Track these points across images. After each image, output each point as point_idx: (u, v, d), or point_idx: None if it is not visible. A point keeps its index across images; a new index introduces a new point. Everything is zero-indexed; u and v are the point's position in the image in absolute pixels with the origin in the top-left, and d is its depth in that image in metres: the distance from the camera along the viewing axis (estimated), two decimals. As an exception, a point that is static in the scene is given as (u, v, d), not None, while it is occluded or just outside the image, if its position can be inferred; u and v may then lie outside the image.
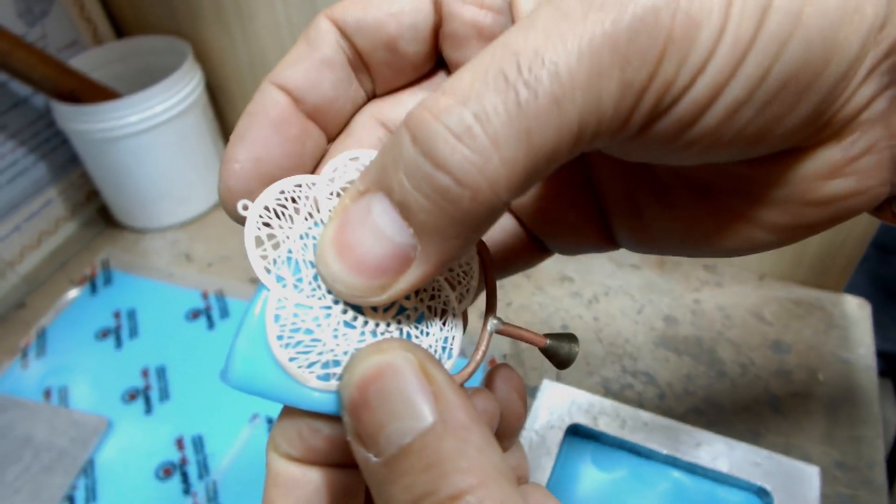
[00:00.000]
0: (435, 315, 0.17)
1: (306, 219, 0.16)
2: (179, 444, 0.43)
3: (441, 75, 0.20)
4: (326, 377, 0.15)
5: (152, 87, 0.52)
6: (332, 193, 0.16)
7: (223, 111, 0.64)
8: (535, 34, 0.13)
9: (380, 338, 0.16)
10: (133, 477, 0.42)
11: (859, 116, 0.14)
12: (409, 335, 0.17)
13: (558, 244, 0.22)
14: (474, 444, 0.13)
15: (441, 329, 0.17)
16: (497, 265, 0.21)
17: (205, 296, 0.53)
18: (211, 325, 0.50)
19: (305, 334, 0.15)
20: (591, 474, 0.39)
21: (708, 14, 0.13)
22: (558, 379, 0.46)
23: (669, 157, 0.15)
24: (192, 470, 0.42)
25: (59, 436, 0.44)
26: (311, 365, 0.15)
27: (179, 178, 0.58)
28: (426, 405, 0.13)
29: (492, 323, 0.18)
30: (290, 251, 0.15)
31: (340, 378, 0.15)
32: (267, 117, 0.17)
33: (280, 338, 0.15)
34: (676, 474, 0.39)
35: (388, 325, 0.16)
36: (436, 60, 0.19)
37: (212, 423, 0.44)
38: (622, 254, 0.55)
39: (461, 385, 0.17)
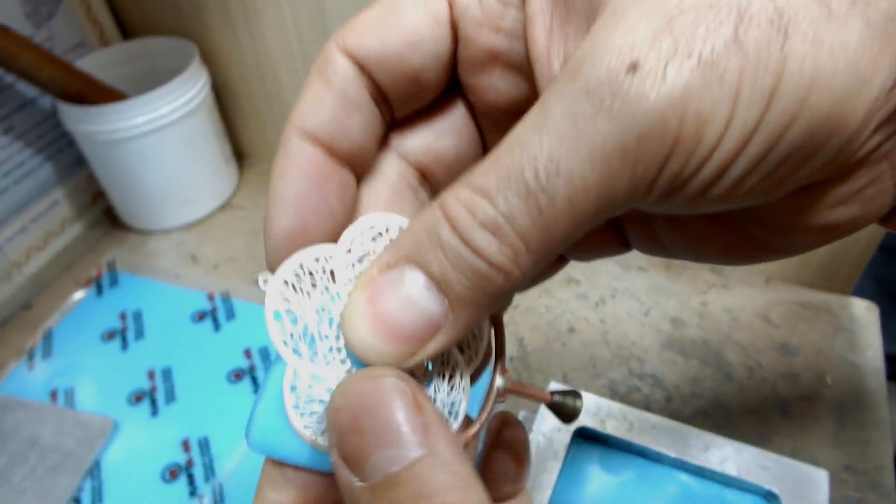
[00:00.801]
0: (443, 379, 0.18)
1: (322, 293, 0.17)
2: (185, 445, 0.43)
3: (458, 105, 0.20)
4: None
5: (159, 89, 0.52)
6: (348, 265, 0.17)
7: (229, 112, 0.64)
8: (549, 139, 0.14)
9: None
10: (139, 478, 0.42)
11: (866, 158, 0.15)
12: None
13: (574, 253, 0.22)
14: (462, 479, 0.14)
15: (448, 393, 0.18)
16: None
17: (211, 297, 0.53)
18: (217, 326, 0.50)
19: (319, 405, 0.16)
20: (599, 477, 0.39)
21: (716, 110, 0.13)
22: (565, 381, 0.45)
23: (689, 212, 0.16)
24: (199, 472, 0.42)
25: (65, 437, 0.44)
26: (324, 432, 0.16)
27: (185, 180, 0.58)
28: (417, 435, 0.14)
29: (499, 382, 0.19)
30: (306, 325, 0.16)
31: (331, 399, 0.15)
32: (305, 176, 0.17)
33: (296, 407, 0.16)
34: (684, 477, 0.39)
35: None
36: (448, 79, 0.19)
37: (218, 425, 0.44)
38: (629, 256, 0.55)
39: (476, 435, 0.18)
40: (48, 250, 0.58)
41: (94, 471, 0.43)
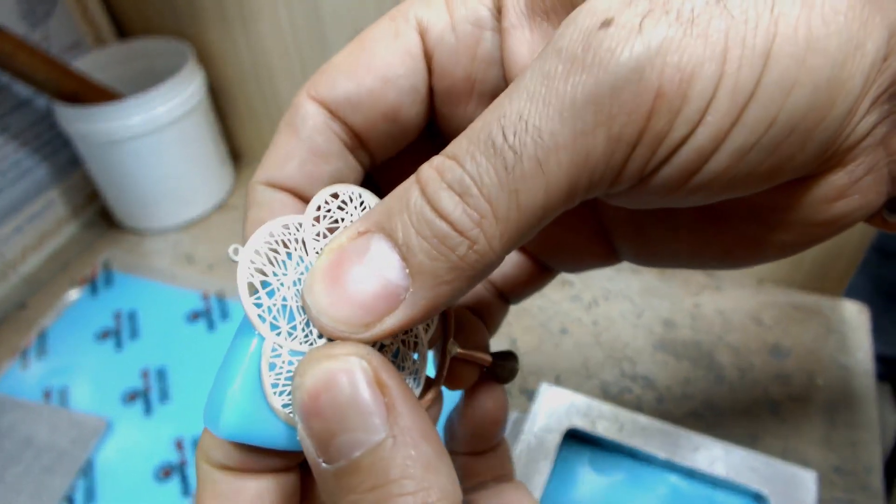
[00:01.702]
0: (409, 349, 0.18)
1: (297, 265, 0.16)
2: (179, 445, 0.43)
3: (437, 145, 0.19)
4: None
5: (154, 89, 0.52)
6: (318, 234, 0.16)
7: (225, 113, 0.64)
8: (518, 97, 0.13)
9: None
10: (132, 478, 0.42)
11: (862, 142, 0.15)
12: None
13: (563, 265, 0.22)
14: (423, 463, 0.13)
15: (414, 362, 0.18)
16: (507, 295, 0.22)
17: (205, 297, 0.53)
18: (211, 326, 0.51)
19: None
20: (589, 478, 0.39)
21: (700, 66, 0.13)
22: (557, 382, 0.46)
23: (679, 202, 0.15)
24: (192, 472, 0.42)
25: (59, 436, 0.44)
26: None
27: (181, 180, 0.58)
28: (378, 418, 0.13)
29: (454, 349, 0.19)
30: (284, 299, 0.15)
31: (293, 379, 0.14)
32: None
33: (275, 385, 0.15)
34: (674, 479, 0.39)
35: None
36: (429, 116, 0.18)
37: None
38: (622, 257, 0.55)
39: (434, 399, 0.18)
40: (43, 250, 0.58)
41: (88, 470, 0.43)
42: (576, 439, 0.40)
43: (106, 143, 0.53)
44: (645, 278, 0.54)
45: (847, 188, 0.15)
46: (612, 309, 0.51)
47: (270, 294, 0.15)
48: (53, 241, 0.59)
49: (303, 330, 0.16)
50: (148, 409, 0.46)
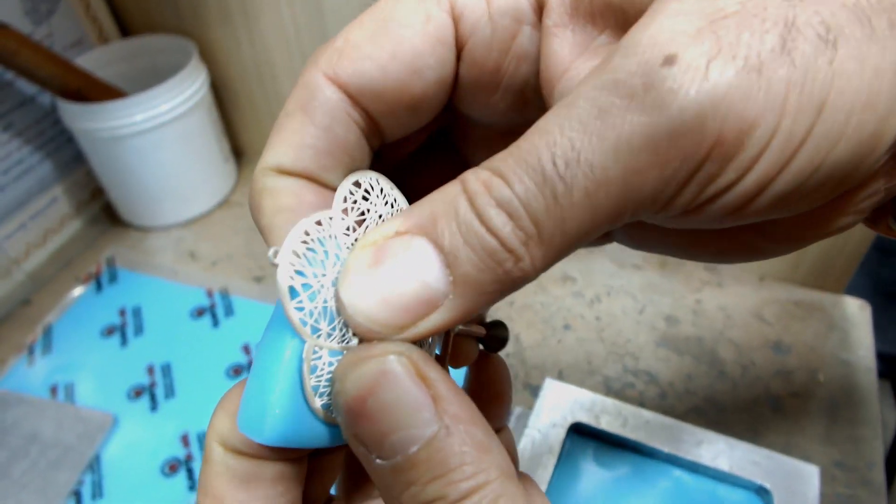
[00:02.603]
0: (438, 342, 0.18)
1: (335, 264, 0.15)
2: (185, 440, 0.44)
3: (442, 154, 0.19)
4: None
5: (158, 87, 0.52)
6: (348, 228, 0.16)
7: (228, 110, 0.64)
8: (571, 127, 0.13)
9: None
10: (139, 473, 0.42)
11: (873, 174, 0.15)
12: None
13: None
14: (477, 445, 0.14)
15: (429, 345, 0.18)
16: None
17: (209, 294, 0.53)
18: (216, 322, 0.51)
19: None
20: (593, 472, 0.39)
21: (761, 116, 0.13)
22: (560, 378, 0.46)
23: (712, 226, 0.15)
24: (198, 466, 0.42)
25: (65, 432, 0.44)
26: None
27: (184, 177, 0.58)
28: (427, 411, 0.14)
29: (455, 327, 0.18)
30: (325, 301, 0.15)
31: (331, 380, 0.14)
32: (282, 209, 0.16)
33: (315, 388, 0.15)
34: (677, 473, 0.39)
35: None
36: (447, 103, 0.18)
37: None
38: (624, 254, 0.55)
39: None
40: (47, 247, 0.58)
41: (94, 465, 0.43)
42: (580, 434, 0.41)
43: (109, 140, 0.53)
44: (646, 274, 0.54)
45: (847, 209, 0.16)
46: (615, 305, 0.51)
47: (312, 297, 0.15)
48: (57, 238, 0.59)
49: (340, 330, 0.15)
50: (154, 404, 0.46)
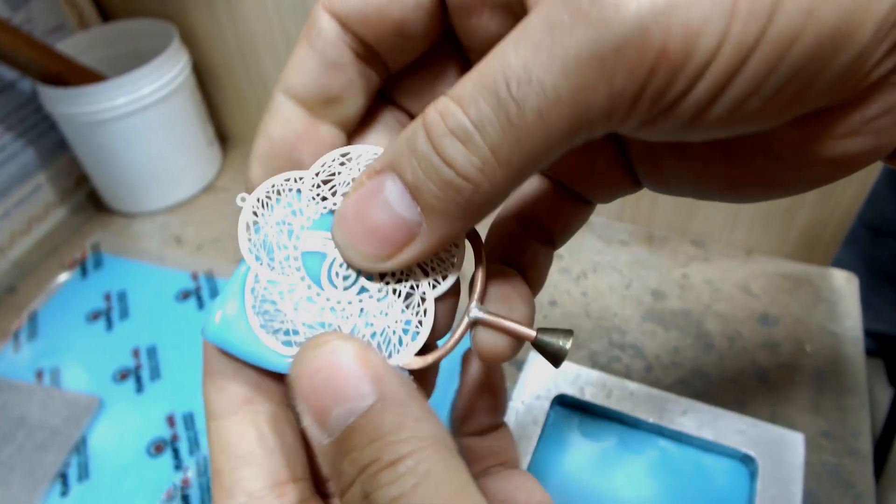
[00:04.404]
0: (399, 297, 0.18)
1: (284, 208, 0.18)
2: (170, 421, 0.44)
3: (453, 51, 0.19)
4: (289, 343, 0.18)
5: (139, 69, 0.52)
6: (314, 186, 0.18)
7: (212, 94, 0.64)
8: (525, 48, 0.13)
9: (337, 313, 0.18)
10: (125, 454, 0.42)
11: (881, 83, 0.14)
12: (364, 312, 0.18)
13: (592, 192, 0.22)
14: (413, 416, 0.15)
15: (403, 311, 0.18)
16: (551, 231, 0.22)
17: (195, 277, 0.53)
18: (201, 305, 0.51)
19: (271, 304, 0.18)
20: (579, 444, 0.39)
21: (707, 22, 0.12)
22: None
23: (687, 138, 0.15)
24: (183, 446, 0.42)
25: (51, 415, 0.44)
26: (275, 332, 0.18)
27: (168, 161, 0.58)
28: (366, 386, 0.15)
29: (475, 311, 0.18)
30: (266, 235, 0.18)
31: (291, 370, 0.16)
32: (281, 135, 0.18)
33: (253, 307, 0.18)
34: (663, 443, 0.39)
35: (350, 303, 0.18)
36: (443, 26, 0.19)
37: (201, 400, 0.44)
38: (611, 231, 0.55)
39: (434, 362, 0.18)
40: (32, 235, 0.58)
41: (81, 447, 0.43)
42: (564, 406, 0.41)
43: (91, 125, 0.53)
44: (633, 250, 0.54)
45: (859, 127, 0.15)
46: (601, 281, 0.51)
47: (257, 231, 0.18)
48: (42, 226, 0.59)
49: (280, 263, 0.18)
50: (139, 386, 0.46)
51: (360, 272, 0.18)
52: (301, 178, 0.18)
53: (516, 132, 0.14)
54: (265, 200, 0.18)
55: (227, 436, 0.18)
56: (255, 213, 0.18)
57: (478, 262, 0.19)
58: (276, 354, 0.17)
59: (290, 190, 0.18)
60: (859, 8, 0.13)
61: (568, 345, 0.18)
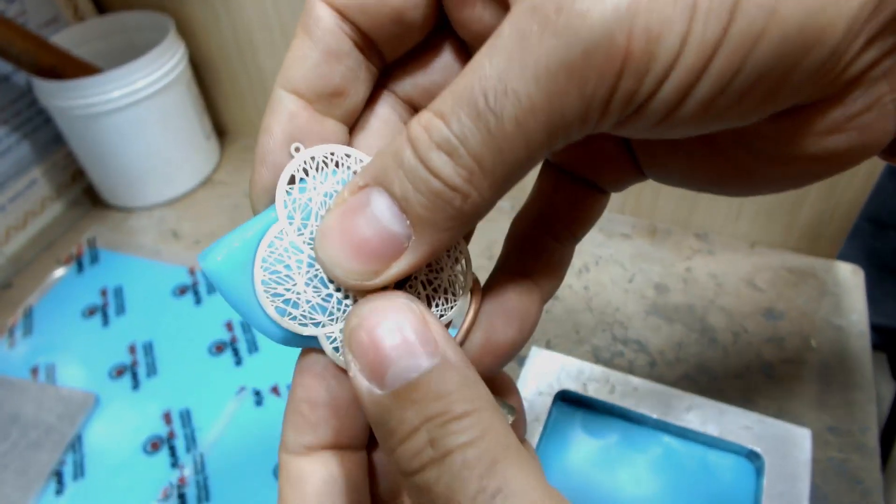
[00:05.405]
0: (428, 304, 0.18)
1: (336, 183, 0.18)
2: (167, 418, 0.43)
3: (449, 42, 0.20)
4: (282, 311, 0.17)
5: (134, 62, 0.51)
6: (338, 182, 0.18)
7: (209, 87, 0.63)
8: (498, 59, 0.14)
9: (341, 309, 0.17)
10: (121, 451, 0.42)
11: (861, 78, 0.14)
12: None
13: (603, 180, 0.22)
14: (472, 379, 0.15)
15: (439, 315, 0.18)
16: (570, 222, 0.22)
17: (192, 272, 0.52)
18: (198, 300, 0.50)
19: (284, 268, 0.17)
20: (582, 440, 0.39)
21: (668, 24, 0.13)
22: (548, 348, 0.45)
23: (665, 135, 0.16)
24: (180, 443, 0.42)
25: (46, 412, 0.44)
26: (275, 295, 0.17)
27: (165, 155, 0.57)
28: (430, 346, 0.15)
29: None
30: (310, 200, 0.17)
31: (346, 320, 0.16)
32: (283, 131, 0.18)
33: (264, 260, 0.17)
34: (667, 439, 0.39)
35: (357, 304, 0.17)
36: (438, 14, 0.19)
37: (198, 396, 0.44)
38: (613, 223, 0.55)
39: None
40: (28, 230, 0.58)
41: (76, 445, 0.42)
42: (567, 402, 0.40)
43: (87, 118, 0.52)
44: (636, 243, 0.53)
45: (842, 123, 0.15)
46: (603, 274, 0.51)
47: (302, 191, 0.17)
48: (38, 221, 0.58)
49: (311, 233, 0.17)
50: (136, 383, 0.45)
51: None
52: (348, 156, 0.18)
53: (497, 142, 0.14)
54: (320, 163, 0.18)
55: (298, 473, 0.18)
56: (305, 172, 0.17)
57: (469, 308, 0.19)
58: (265, 316, 0.17)
59: (347, 167, 0.18)
60: (830, 4, 0.13)
61: (509, 420, 0.20)
